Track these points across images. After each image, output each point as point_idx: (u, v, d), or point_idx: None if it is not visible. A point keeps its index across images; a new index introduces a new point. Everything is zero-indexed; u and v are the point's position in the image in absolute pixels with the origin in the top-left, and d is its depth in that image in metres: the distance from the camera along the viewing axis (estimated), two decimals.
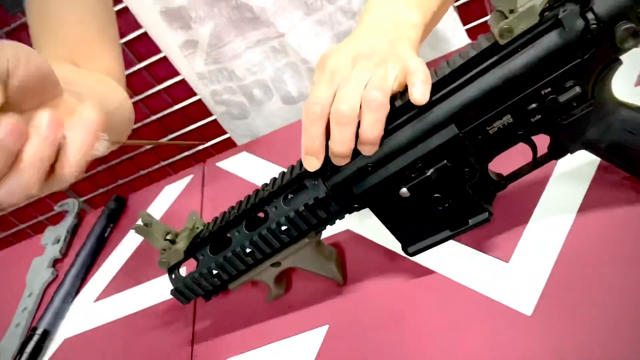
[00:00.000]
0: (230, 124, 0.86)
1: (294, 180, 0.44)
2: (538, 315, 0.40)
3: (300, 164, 0.44)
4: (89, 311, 0.65)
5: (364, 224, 0.54)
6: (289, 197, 0.44)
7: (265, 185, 0.46)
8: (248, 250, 0.46)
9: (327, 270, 0.49)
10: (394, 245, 0.50)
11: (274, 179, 0.46)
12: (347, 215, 0.45)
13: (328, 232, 0.53)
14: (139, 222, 0.48)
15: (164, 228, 0.49)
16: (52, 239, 0.77)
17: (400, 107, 0.40)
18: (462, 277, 0.45)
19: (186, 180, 0.76)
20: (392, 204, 0.42)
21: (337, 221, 0.46)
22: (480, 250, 0.46)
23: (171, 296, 0.50)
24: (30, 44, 0.52)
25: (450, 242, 0.47)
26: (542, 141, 0.42)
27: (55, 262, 0.75)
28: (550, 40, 0.36)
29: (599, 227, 0.42)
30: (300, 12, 0.68)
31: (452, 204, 0.42)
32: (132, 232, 0.73)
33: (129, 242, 0.71)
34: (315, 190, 0.43)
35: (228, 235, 0.47)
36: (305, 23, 0.69)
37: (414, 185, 0.40)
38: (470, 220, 0.43)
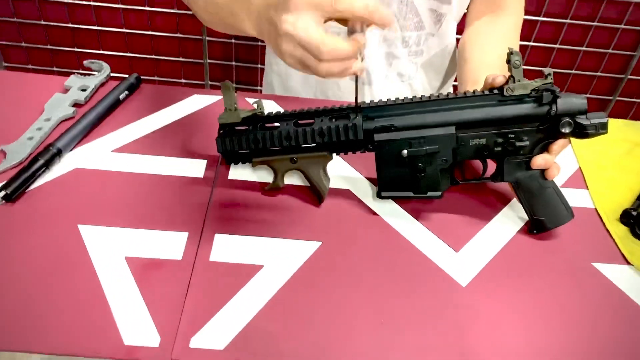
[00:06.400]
0: None
1: (340, 110, 0.65)
2: (470, 288, 0.60)
3: (345, 106, 0.65)
4: (104, 156, 0.75)
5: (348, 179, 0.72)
6: (333, 120, 0.65)
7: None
8: (289, 136, 0.65)
9: (321, 184, 0.68)
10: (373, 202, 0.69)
11: (324, 107, 0.66)
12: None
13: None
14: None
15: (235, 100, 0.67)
16: (77, 85, 0.85)
17: (428, 101, 0.62)
18: (420, 246, 0.65)
19: (215, 98, 0.88)
20: (392, 157, 0.63)
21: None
22: (438, 237, 0.66)
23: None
24: None
25: (418, 223, 0.67)
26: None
27: (77, 106, 0.82)
28: (529, 107, 0.61)
29: (531, 245, 0.66)
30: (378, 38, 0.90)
31: (424, 175, 0.64)
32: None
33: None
34: (354, 121, 0.64)
35: (277, 124, 0.66)
36: (377, 41, 0.90)
37: (412, 151, 0.62)
38: (428, 192, 0.65)
